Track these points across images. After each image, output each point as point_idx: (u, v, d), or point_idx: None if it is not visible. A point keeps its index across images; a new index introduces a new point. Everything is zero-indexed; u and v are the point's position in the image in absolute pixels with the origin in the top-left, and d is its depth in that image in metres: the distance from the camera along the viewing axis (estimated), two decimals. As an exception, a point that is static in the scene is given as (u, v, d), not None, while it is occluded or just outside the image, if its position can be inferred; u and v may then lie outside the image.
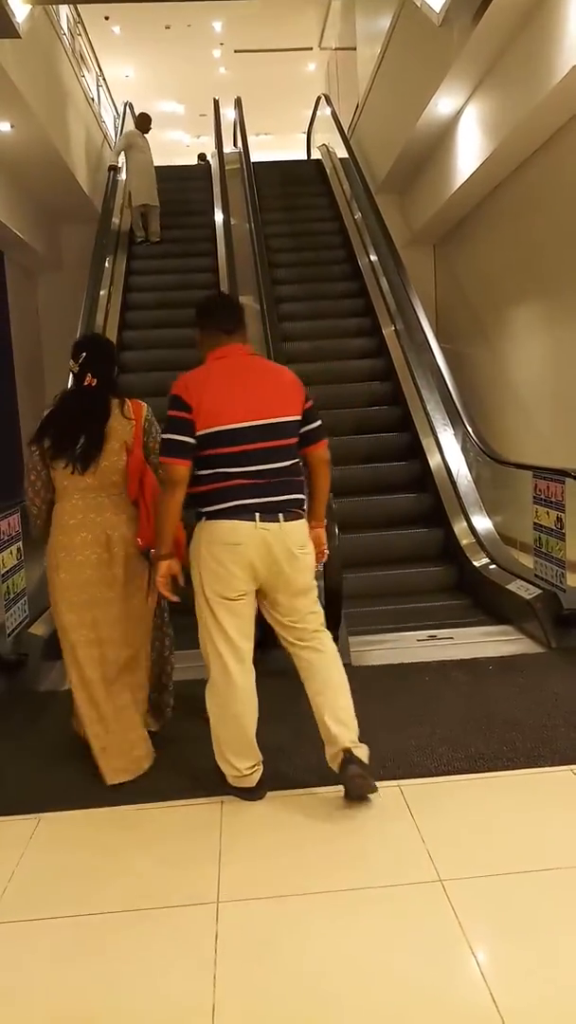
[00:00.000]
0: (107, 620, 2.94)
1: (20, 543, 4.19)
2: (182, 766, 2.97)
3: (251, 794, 2.70)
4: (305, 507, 2.72)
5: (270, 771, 2.85)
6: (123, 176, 9.39)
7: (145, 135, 9.08)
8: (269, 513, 2.56)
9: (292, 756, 2.98)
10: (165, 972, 1.94)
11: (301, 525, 2.66)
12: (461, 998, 1.82)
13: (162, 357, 6.99)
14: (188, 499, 2.66)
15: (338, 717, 2.63)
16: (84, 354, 3.04)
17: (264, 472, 2.59)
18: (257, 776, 2.70)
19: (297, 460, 2.72)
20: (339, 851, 2.42)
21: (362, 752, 2.62)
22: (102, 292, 7.75)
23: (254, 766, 2.70)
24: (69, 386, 3.32)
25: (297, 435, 2.70)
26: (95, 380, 2.99)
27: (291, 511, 2.62)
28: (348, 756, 2.58)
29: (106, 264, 8.15)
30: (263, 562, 2.57)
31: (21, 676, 3.86)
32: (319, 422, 2.77)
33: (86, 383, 2.99)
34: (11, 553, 4.04)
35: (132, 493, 2.95)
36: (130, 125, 9.96)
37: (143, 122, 9.22)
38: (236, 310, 2.82)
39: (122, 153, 9.18)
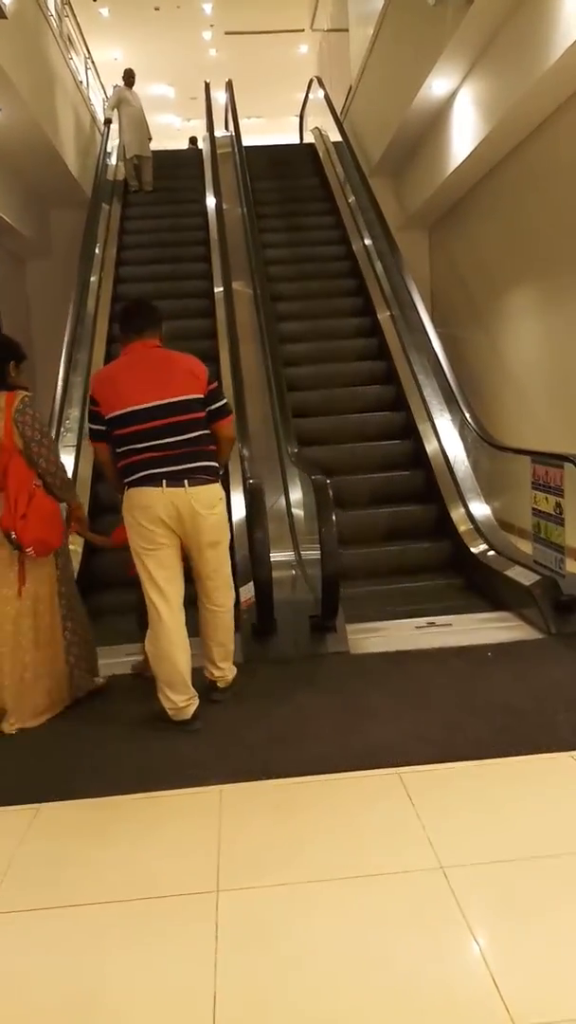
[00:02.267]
0: None
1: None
2: (179, 756, 2.95)
3: (188, 725, 3.10)
4: (215, 470, 3.19)
5: (269, 760, 2.84)
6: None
7: (133, 90, 9.91)
8: (174, 479, 3.04)
9: (290, 745, 2.97)
10: (165, 961, 1.93)
11: (208, 489, 3.11)
12: (463, 985, 1.81)
13: None
14: (116, 474, 3.18)
15: (217, 654, 3.39)
16: None
17: (167, 445, 3.05)
18: (191, 709, 3.12)
19: (203, 432, 3.15)
20: (339, 838, 2.41)
21: (223, 681, 3.40)
22: (92, 278, 7.67)
23: (189, 699, 3.13)
24: None
25: (200, 412, 3.15)
26: None
27: (196, 476, 3.08)
28: (211, 683, 3.39)
29: (96, 250, 8.07)
30: (172, 520, 3.05)
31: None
32: (222, 402, 3.27)
33: None
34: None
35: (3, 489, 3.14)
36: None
37: (128, 77, 10.03)
38: (146, 315, 3.25)
39: (115, 109, 9.89)
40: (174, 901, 2.17)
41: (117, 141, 10.14)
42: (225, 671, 3.41)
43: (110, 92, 11.53)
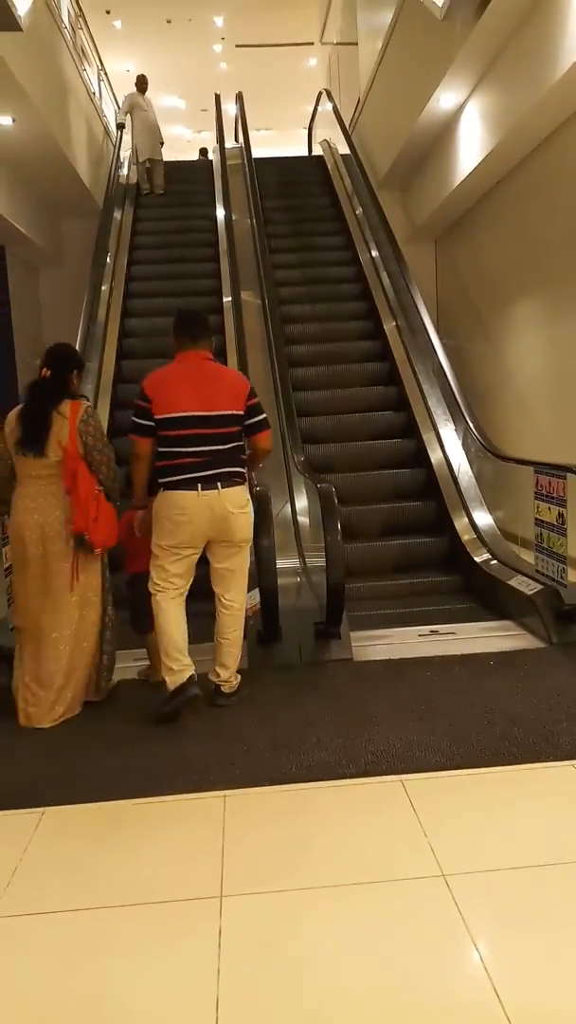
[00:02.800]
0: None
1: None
2: (185, 761, 2.98)
3: (185, 691, 3.30)
4: (244, 476, 3.43)
5: (272, 767, 2.86)
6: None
7: (146, 95, 10.22)
8: (209, 483, 3.27)
9: (294, 752, 2.99)
10: (169, 966, 1.95)
11: (237, 490, 3.35)
12: (464, 993, 1.82)
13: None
14: (152, 473, 3.39)
15: (222, 663, 3.52)
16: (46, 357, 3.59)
17: (205, 452, 3.29)
18: (185, 675, 3.32)
19: (237, 443, 3.39)
20: (341, 845, 2.43)
21: (227, 686, 3.51)
22: (104, 287, 7.74)
23: (184, 665, 3.34)
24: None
25: (236, 426, 3.38)
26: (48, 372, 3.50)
27: (228, 480, 3.32)
28: (216, 688, 3.52)
29: (108, 259, 8.14)
30: (206, 521, 3.29)
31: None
32: (261, 416, 3.46)
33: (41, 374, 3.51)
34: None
35: (66, 485, 3.35)
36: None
37: (141, 83, 10.34)
38: (201, 325, 3.49)
39: (128, 114, 10.22)
40: (178, 906, 2.19)
41: (129, 151, 10.33)
42: (230, 674, 3.53)
43: (120, 102, 11.69)
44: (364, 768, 2.84)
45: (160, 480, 3.34)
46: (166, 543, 3.32)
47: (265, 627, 3.99)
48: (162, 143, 10.19)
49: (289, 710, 3.38)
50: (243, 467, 3.44)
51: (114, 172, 9.62)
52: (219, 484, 3.29)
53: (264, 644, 4.01)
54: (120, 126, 10.40)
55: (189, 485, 3.27)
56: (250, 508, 3.44)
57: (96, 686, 3.55)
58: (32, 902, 2.24)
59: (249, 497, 3.46)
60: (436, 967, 1.90)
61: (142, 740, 3.17)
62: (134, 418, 3.36)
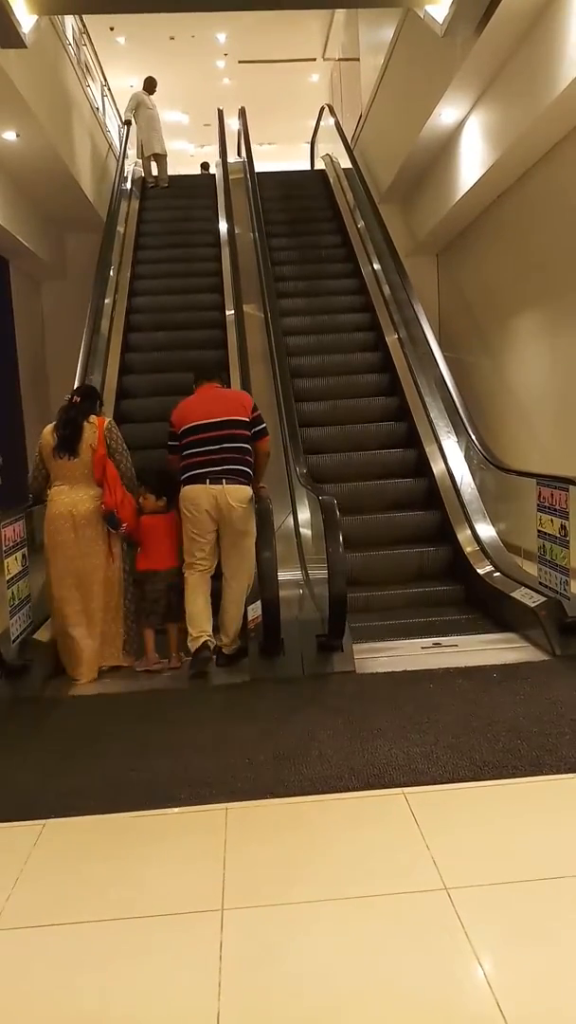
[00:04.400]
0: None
1: (25, 550, 4.20)
2: (187, 774, 2.97)
3: (200, 653, 4.02)
4: (250, 476, 4.17)
5: (274, 779, 2.86)
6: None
7: (151, 96, 11.03)
8: (215, 479, 4.05)
9: (296, 764, 2.98)
10: (169, 979, 1.94)
11: (240, 488, 4.09)
12: (467, 1007, 1.81)
13: (166, 357, 7.33)
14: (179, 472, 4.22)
15: (224, 627, 4.19)
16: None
17: (213, 451, 4.10)
18: (201, 640, 4.05)
19: (244, 447, 4.18)
20: (343, 858, 2.42)
21: (228, 648, 4.18)
22: (106, 301, 7.79)
23: (203, 632, 4.08)
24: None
25: (244, 431, 4.19)
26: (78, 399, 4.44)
27: (232, 478, 4.07)
28: (219, 650, 4.15)
29: (111, 273, 8.19)
30: (214, 509, 4.06)
31: (26, 682, 3.87)
32: (263, 425, 4.32)
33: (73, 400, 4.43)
34: (16, 560, 4.05)
35: (97, 476, 4.20)
36: (134, 133, 11.08)
37: (149, 84, 11.19)
38: (211, 368, 4.63)
39: (133, 112, 11.01)
40: (179, 919, 2.18)
41: (129, 164, 10.51)
42: (231, 639, 4.20)
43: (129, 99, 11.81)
44: (367, 781, 2.83)
45: (180, 479, 4.16)
46: (189, 530, 4.12)
47: (267, 639, 3.98)
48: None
49: (291, 723, 3.38)
50: (249, 469, 4.18)
51: (117, 187, 9.69)
52: (223, 481, 4.04)
53: (266, 656, 4.01)
54: (127, 123, 11.11)
55: (199, 480, 4.06)
56: (250, 505, 4.11)
57: (123, 652, 4.28)
58: (32, 915, 2.23)
59: (252, 496, 4.14)
60: (438, 981, 1.89)
61: (144, 752, 3.16)
62: (168, 441, 4.33)
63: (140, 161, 11.02)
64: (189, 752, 3.14)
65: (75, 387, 4.74)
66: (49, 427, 4.31)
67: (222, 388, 4.48)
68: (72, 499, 4.14)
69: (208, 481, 4.03)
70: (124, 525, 4.17)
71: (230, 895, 2.25)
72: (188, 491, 4.09)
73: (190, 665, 4.08)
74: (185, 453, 4.13)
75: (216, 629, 4.21)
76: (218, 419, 4.15)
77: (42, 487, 4.32)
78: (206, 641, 4.05)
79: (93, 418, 4.30)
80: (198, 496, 4.04)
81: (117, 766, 3.05)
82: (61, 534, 4.12)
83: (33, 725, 3.54)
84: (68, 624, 4.13)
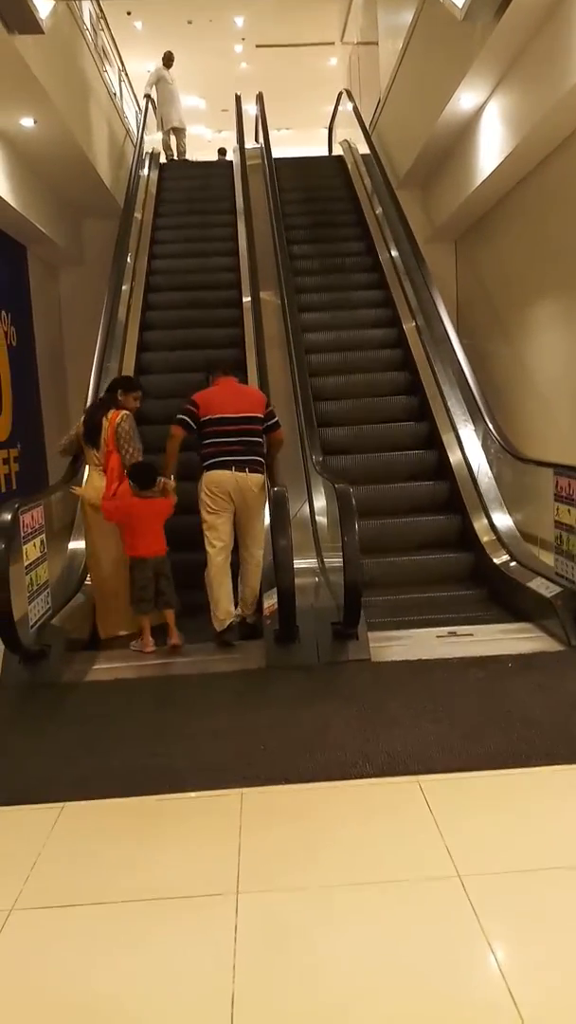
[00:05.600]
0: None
1: (43, 536, 4.24)
2: (203, 759, 3.00)
3: (225, 635, 4.39)
4: (264, 465, 4.62)
5: (289, 766, 2.88)
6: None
7: (170, 71, 11.59)
8: (239, 467, 4.48)
9: (311, 751, 3.00)
10: (185, 962, 1.97)
11: (257, 476, 4.54)
12: (479, 993, 1.83)
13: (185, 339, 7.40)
14: (199, 456, 4.59)
15: (245, 599, 4.63)
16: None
17: (236, 443, 4.52)
18: (228, 622, 4.42)
19: (259, 439, 4.64)
20: (358, 844, 2.44)
21: (250, 618, 4.61)
22: (124, 287, 7.80)
23: (227, 616, 4.43)
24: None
25: (260, 426, 4.65)
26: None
27: (251, 467, 4.52)
28: (242, 620, 4.60)
29: (128, 259, 8.19)
30: (234, 492, 4.47)
31: (44, 667, 3.92)
32: (275, 419, 4.75)
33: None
34: (35, 545, 4.09)
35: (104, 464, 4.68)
36: (151, 116, 11.33)
37: (168, 59, 11.70)
38: (228, 363, 5.01)
39: (153, 86, 11.58)
40: (194, 902, 2.21)
41: (147, 149, 10.48)
42: (251, 610, 4.62)
43: (142, 103, 11.82)
44: (381, 768, 2.85)
45: (204, 463, 4.52)
46: (210, 507, 4.47)
47: (282, 627, 4.00)
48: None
49: (306, 710, 3.40)
50: (263, 459, 4.62)
51: (135, 173, 9.67)
52: (246, 469, 4.49)
53: (281, 644, 4.03)
54: (147, 96, 11.52)
55: (225, 466, 4.48)
56: (264, 491, 4.59)
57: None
58: (50, 896, 2.27)
59: (265, 482, 4.60)
60: (451, 968, 1.91)
61: (160, 737, 3.20)
62: (180, 415, 4.61)
63: (161, 139, 11.47)
64: (205, 737, 3.17)
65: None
66: (81, 419, 4.99)
67: (241, 384, 4.89)
68: (97, 484, 4.71)
69: (233, 468, 4.47)
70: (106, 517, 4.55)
71: (245, 879, 2.28)
72: (214, 475, 4.47)
73: (217, 637, 4.42)
74: (209, 440, 4.55)
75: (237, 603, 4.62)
76: (240, 415, 4.60)
77: (69, 457, 5.14)
78: (231, 623, 4.45)
79: (111, 413, 4.70)
80: (224, 479, 4.46)
81: (133, 750, 3.09)
82: (93, 508, 4.68)
83: (51, 709, 3.58)
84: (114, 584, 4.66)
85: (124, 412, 4.73)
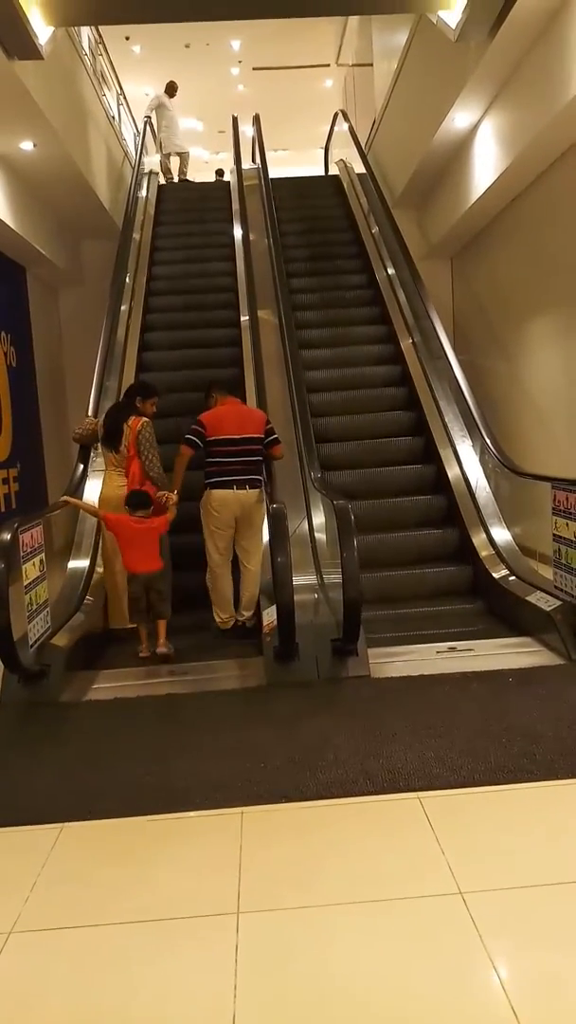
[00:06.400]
0: None
1: (43, 555, 4.24)
2: (202, 777, 2.99)
3: (226, 634, 4.93)
4: (263, 482, 4.95)
5: (289, 783, 2.87)
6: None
7: (172, 98, 12.05)
8: (241, 485, 4.84)
9: (311, 769, 2.99)
10: (186, 982, 1.96)
11: (257, 492, 4.91)
12: (481, 1011, 1.82)
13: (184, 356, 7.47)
14: (204, 475, 4.89)
15: (244, 603, 4.97)
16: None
17: (239, 462, 4.86)
18: (229, 624, 4.95)
19: (259, 458, 4.96)
20: (358, 862, 2.43)
21: (248, 622, 4.96)
22: (123, 307, 7.85)
23: (231, 616, 4.97)
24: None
25: (260, 445, 4.96)
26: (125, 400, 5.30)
27: (252, 483, 4.88)
28: (242, 624, 4.99)
29: (127, 279, 8.25)
30: (238, 508, 4.85)
31: (43, 687, 3.91)
32: (275, 436, 5.04)
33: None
34: (34, 565, 4.09)
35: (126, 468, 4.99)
36: (151, 141, 11.54)
37: (170, 88, 12.10)
38: (232, 383, 5.58)
39: (153, 111, 11.97)
40: (195, 922, 2.20)
41: (146, 171, 10.67)
42: (250, 614, 4.96)
43: (140, 126, 11.98)
44: (381, 785, 2.84)
45: (208, 481, 4.85)
46: (213, 525, 4.85)
47: (282, 644, 4.00)
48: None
49: (306, 727, 3.39)
50: (262, 476, 4.96)
51: (133, 194, 9.76)
52: (247, 486, 4.85)
53: (281, 660, 4.02)
54: (147, 119, 11.92)
55: (228, 485, 4.82)
56: (264, 504, 4.91)
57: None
58: (50, 917, 2.25)
59: (264, 497, 4.92)
60: (453, 985, 1.90)
61: (160, 756, 3.19)
62: (188, 435, 4.92)
63: (160, 161, 11.78)
64: (205, 756, 3.16)
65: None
66: (101, 420, 5.31)
67: (243, 406, 5.25)
68: (118, 483, 5.01)
69: (235, 487, 4.82)
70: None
71: (246, 898, 2.26)
72: (218, 494, 4.83)
73: (216, 633, 4.94)
74: (213, 460, 4.88)
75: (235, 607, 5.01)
76: (243, 436, 4.92)
77: (84, 445, 5.57)
78: (234, 624, 4.96)
79: (132, 419, 5.00)
80: (227, 498, 4.82)
81: (133, 770, 3.08)
82: (110, 507, 4.90)
83: (50, 729, 3.57)
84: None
85: (145, 420, 5.02)
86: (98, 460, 5.57)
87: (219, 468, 4.84)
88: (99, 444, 5.26)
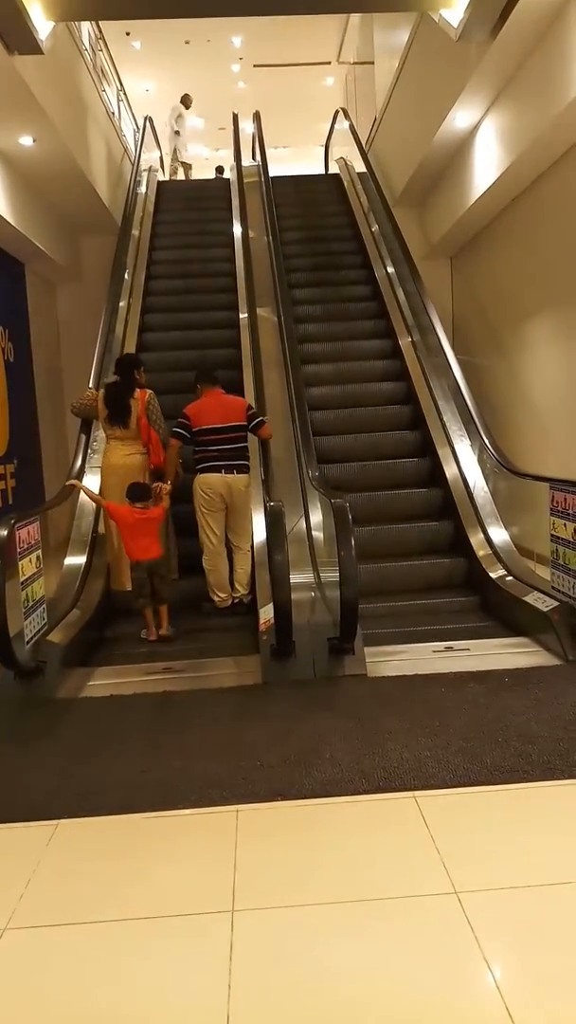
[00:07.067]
0: None
1: (39, 551, 4.23)
2: (198, 775, 2.98)
3: (223, 612, 5.21)
4: (248, 466, 5.28)
5: (285, 782, 2.87)
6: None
7: (188, 109, 13.32)
8: (228, 469, 5.16)
9: (307, 767, 2.99)
10: (180, 980, 1.96)
11: (243, 476, 5.23)
12: (476, 1012, 1.82)
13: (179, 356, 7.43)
14: (192, 462, 5.25)
15: (239, 580, 5.28)
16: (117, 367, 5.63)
17: (224, 449, 5.19)
18: (225, 603, 5.24)
19: (244, 445, 5.28)
20: (354, 861, 2.42)
21: (244, 597, 5.27)
22: (121, 303, 7.83)
23: (227, 595, 5.25)
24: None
25: (244, 432, 5.26)
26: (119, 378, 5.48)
27: (238, 467, 5.21)
28: (239, 601, 5.27)
29: (125, 276, 8.24)
30: (225, 492, 5.16)
31: (39, 683, 3.90)
32: (259, 418, 5.33)
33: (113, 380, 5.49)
34: (31, 561, 4.08)
35: (144, 439, 5.35)
36: (151, 138, 11.62)
37: (186, 100, 13.26)
38: (214, 375, 5.51)
39: (175, 121, 13.05)
40: (189, 920, 2.19)
41: (144, 167, 10.71)
42: (245, 590, 5.26)
43: (140, 122, 11.98)
44: (377, 784, 2.84)
45: (197, 467, 5.20)
46: (204, 507, 5.17)
47: (279, 642, 3.99)
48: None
49: (302, 726, 3.38)
50: (247, 460, 5.27)
51: (132, 191, 9.74)
52: (234, 471, 5.18)
53: (278, 659, 4.02)
54: (177, 132, 13.09)
55: (215, 470, 5.15)
56: (249, 488, 5.25)
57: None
58: (44, 915, 2.25)
59: (250, 481, 5.26)
60: (448, 985, 1.90)
61: (155, 754, 3.18)
62: (176, 428, 5.24)
63: (170, 164, 12.95)
64: (201, 754, 3.15)
65: (115, 360, 5.86)
66: (100, 394, 5.46)
67: (225, 395, 5.43)
68: (124, 451, 5.31)
69: (223, 471, 5.14)
70: (168, 483, 5.11)
71: (240, 896, 2.26)
72: (206, 477, 5.16)
73: (213, 611, 5.26)
74: (200, 448, 5.20)
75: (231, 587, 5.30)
76: (227, 424, 5.22)
77: (93, 418, 5.71)
78: (233, 600, 5.27)
79: (137, 393, 5.31)
80: (215, 482, 5.14)
81: (129, 767, 3.07)
82: (116, 476, 5.21)
83: (46, 726, 3.56)
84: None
85: (149, 392, 5.38)
86: (99, 435, 5.82)
87: (205, 454, 5.19)
88: (102, 421, 5.41)
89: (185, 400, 5.52)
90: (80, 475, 5.49)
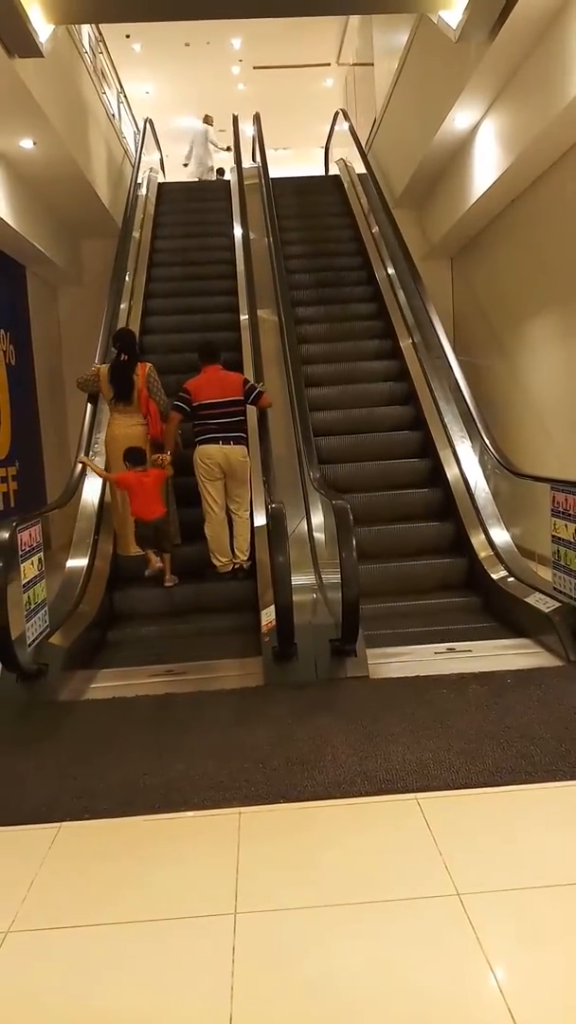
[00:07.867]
0: None
1: (41, 554, 4.24)
2: (200, 778, 2.99)
3: (225, 576, 5.51)
4: (246, 439, 5.60)
5: (287, 784, 2.87)
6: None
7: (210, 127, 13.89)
8: (225, 440, 5.49)
9: (309, 769, 2.99)
10: (182, 983, 1.96)
11: (241, 447, 5.54)
12: (479, 1013, 1.81)
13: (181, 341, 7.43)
14: (191, 434, 5.60)
15: (239, 547, 5.56)
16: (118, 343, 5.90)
17: (222, 422, 5.52)
18: (229, 567, 5.53)
19: (241, 417, 5.60)
20: (356, 863, 2.42)
21: (245, 563, 5.54)
22: (123, 306, 7.84)
23: (228, 560, 5.54)
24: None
25: (242, 406, 5.60)
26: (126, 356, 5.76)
27: (236, 439, 5.53)
28: (240, 566, 5.55)
29: (127, 278, 8.24)
30: (224, 462, 5.48)
31: (41, 686, 3.91)
32: (256, 390, 5.69)
33: (121, 359, 5.76)
34: (32, 564, 4.08)
35: (143, 411, 5.67)
36: (151, 140, 11.67)
37: (208, 119, 13.93)
38: (215, 351, 5.81)
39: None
40: (192, 923, 2.19)
41: (144, 170, 10.73)
42: (245, 555, 5.54)
43: (141, 124, 12.00)
44: (379, 786, 2.83)
45: (196, 439, 5.54)
46: (203, 476, 5.49)
47: (280, 644, 3.99)
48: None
49: (304, 727, 3.38)
50: (245, 432, 5.60)
51: (133, 193, 9.75)
52: (231, 442, 5.49)
53: (279, 661, 4.02)
54: (213, 144, 13.92)
55: (213, 441, 5.48)
56: (247, 459, 5.56)
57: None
58: (47, 917, 2.25)
59: (247, 451, 5.56)
60: (450, 986, 1.90)
61: (157, 756, 3.18)
62: (176, 402, 5.58)
63: (199, 173, 13.55)
64: (203, 756, 3.15)
65: (114, 335, 6.09)
66: (105, 369, 5.75)
67: (224, 371, 5.73)
68: (126, 423, 5.64)
69: (221, 442, 5.46)
70: (168, 452, 5.49)
71: (243, 899, 2.26)
72: (205, 448, 5.49)
73: (216, 576, 5.54)
74: (200, 422, 5.54)
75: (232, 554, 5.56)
76: (224, 399, 5.54)
77: (87, 393, 6.10)
78: (233, 566, 5.54)
79: (138, 367, 5.64)
80: (212, 452, 5.48)
81: (131, 770, 3.07)
82: (118, 445, 5.51)
83: (48, 728, 3.57)
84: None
85: (149, 364, 5.72)
86: (103, 409, 6.12)
87: (204, 427, 5.54)
88: (105, 396, 5.75)
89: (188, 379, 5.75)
90: (88, 448, 5.89)
